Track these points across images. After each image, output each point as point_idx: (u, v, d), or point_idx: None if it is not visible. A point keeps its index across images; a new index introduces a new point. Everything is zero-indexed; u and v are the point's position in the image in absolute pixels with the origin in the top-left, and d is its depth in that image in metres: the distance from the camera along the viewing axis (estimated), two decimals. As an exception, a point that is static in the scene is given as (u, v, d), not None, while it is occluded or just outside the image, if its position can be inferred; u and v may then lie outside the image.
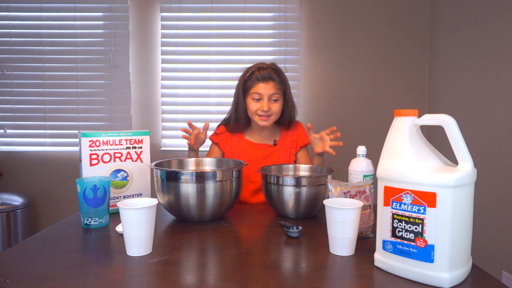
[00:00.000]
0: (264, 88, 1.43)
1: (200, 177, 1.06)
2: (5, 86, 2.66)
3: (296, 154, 1.58)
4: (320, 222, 1.09)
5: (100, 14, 2.64)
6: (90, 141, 1.15)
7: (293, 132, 1.59)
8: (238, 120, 1.53)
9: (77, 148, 2.61)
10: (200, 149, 1.54)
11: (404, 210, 0.71)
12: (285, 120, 1.55)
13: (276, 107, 1.46)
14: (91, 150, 1.15)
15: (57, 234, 1.00)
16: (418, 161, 0.71)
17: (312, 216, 1.15)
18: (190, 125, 1.49)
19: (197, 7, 2.62)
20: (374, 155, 0.99)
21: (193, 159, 1.34)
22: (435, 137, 2.27)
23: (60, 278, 0.72)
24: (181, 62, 2.65)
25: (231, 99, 1.57)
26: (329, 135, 1.42)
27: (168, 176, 1.07)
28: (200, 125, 1.56)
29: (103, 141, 1.17)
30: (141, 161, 1.24)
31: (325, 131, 1.43)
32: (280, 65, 2.66)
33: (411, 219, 0.70)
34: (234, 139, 1.56)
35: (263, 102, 1.44)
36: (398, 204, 0.72)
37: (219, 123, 1.63)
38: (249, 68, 1.51)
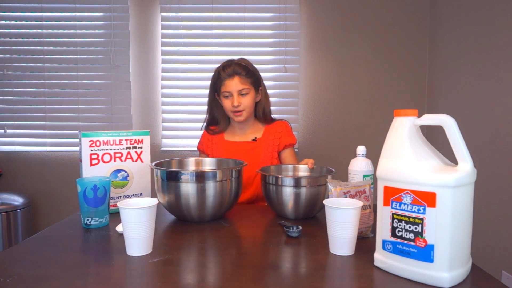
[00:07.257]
0: (231, 85, 1.46)
1: (200, 177, 1.06)
2: (5, 86, 2.66)
3: (280, 154, 1.56)
4: (320, 222, 1.09)
5: (100, 14, 2.64)
6: (90, 141, 1.15)
7: (277, 130, 1.55)
8: (212, 120, 1.58)
9: (77, 148, 2.61)
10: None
11: (404, 210, 0.71)
12: (259, 113, 1.55)
13: (247, 101, 1.48)
14: (91, 150, 1.15)
15: (57, 234, 1.00)
16: (418, 161, 0.71)
17: (312, 216, 1.15)
18: None
19: (197, 7, 2.62)
20: (374, 155, 0.99)
21: (193, 158, 1.34)
22: (435, 137, 2.27)
23: (60, 278, 0.72)
24: (181, 62, 2.65)
25: None
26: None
27: (168, 176, 1.07)
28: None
29: (103, 141, 1.17)
30: (141, 161, 1.24)
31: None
32: (280, 65, 2.67)
33: (411, 219, 0.70)
34: (215, 141, 1.57)
35: (233, 99, 1.46)
36: (398, 204, 0.72)
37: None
38: (217, 68, 1.53)
